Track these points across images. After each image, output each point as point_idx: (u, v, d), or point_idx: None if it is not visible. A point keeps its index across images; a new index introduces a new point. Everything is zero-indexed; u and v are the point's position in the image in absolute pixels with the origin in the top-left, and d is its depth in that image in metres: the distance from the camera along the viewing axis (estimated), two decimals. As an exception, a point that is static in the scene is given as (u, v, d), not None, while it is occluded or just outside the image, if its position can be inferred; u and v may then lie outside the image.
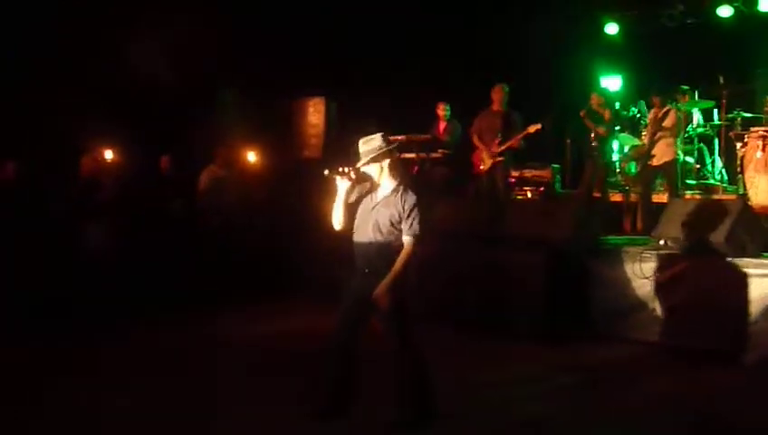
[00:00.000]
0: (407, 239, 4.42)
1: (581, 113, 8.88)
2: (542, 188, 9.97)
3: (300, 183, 9.28)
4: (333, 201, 4.54)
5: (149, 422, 4.71)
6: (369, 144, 4.50)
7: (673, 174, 8.16)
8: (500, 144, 8.72)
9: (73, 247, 7.64)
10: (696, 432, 4.71)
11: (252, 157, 9.73)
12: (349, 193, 4.52)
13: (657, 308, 6.61)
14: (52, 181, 8.33)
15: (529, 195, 10.00)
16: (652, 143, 8.15)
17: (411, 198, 4.46)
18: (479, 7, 10.84)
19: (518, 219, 7.64)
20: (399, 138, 9.62)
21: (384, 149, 4.47)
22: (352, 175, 4.48)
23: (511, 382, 5.56)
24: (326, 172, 4.53)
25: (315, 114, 9.78)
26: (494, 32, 10.81)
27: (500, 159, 8.73)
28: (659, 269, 6.55)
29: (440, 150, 9.49)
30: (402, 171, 4.70)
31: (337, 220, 4.56)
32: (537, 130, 8.52)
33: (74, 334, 6.68)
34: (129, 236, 7.94)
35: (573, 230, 7.24)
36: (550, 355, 6.24)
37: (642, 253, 6.72)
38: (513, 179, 9.80)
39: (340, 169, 4.48)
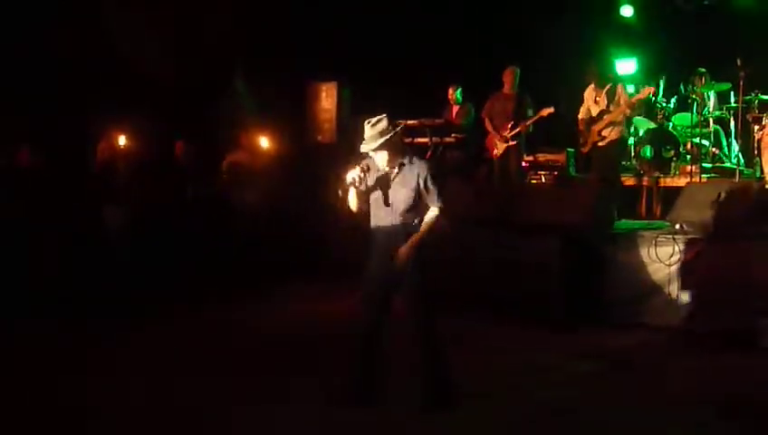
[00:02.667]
0: (433, 210, 4.46)
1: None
2: (555, 173, 9.90)
3: (313, 168, 9.30)
4: (345, 190, 4.52)
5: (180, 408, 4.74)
6: (376, 127, 4.43)
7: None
8: (512, 128, 8.66)
9: (92, 232, 7.68)
10: (721, 416, 4.68)
11: (265, 142, 9.71)
12: (359, 184, 4.47)
13: (674, 293, 6.58)
14: (68, 167, 8.37)
15: (543, 179, 9.93)
16: None
17: (424, 168, 4.48)
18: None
19: (532, 204, 7.60)
20: (412, 122, 9.64)
21: (392, 132, 4.42)
22: (364, 180, 4.44)
23: (531, 369, 5.54)
24: (340, 193, 4.53)
25: (328, 99, 9.76)
26: (507, 14, 10.71)
27: (513, 142, 8.68)
28: (674, 253, 6.51)
29: (453, 135, 9.45)
30: (404, 147, 4.70)
31: (353, 205, 4.55)
32: (550, 113, 8.47)
33: (94, 321, 6.70)
34: (145, 222, 7.97)
35: (588, 215, 7.20)
36: (567, 341, 6.23)
37: (657, 237, 6.68)
38: (527, 164, 9.74)
39: (351, 181, 4.43)
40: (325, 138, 9.82)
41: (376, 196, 4.52)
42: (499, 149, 8.75)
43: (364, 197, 4.53)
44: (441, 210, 4.47)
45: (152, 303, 7.28)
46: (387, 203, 4.47)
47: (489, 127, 8.89)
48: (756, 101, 8.26)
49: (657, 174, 8.76)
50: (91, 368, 5.53)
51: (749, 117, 8.13)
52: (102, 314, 6.84)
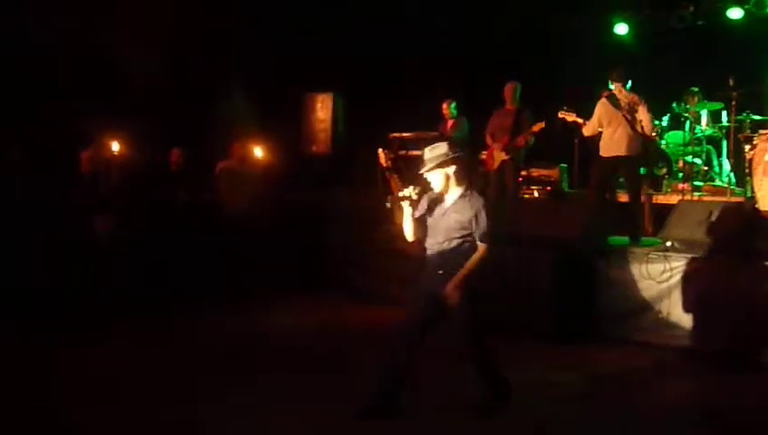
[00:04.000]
0: (480, 244, 4.60)
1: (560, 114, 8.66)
2: (548, 188, 9.96)
3: (308, 178, 9.32)
4: (397, 206, 4.69)
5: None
6: (435, 151, 4.62)
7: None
8: (509, 142, 8.70)
9: (81, 240, 7.67)
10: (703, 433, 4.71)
11: (258, 152, 9.72)
12: (415, 208, 4.65)
13: (664, 310, 6.60)
14: (58, 172, 8.36)
15: (536, 194, 9.99)
16: None
17: (478, 202, 4.64)
18: (490, 6, 10.81)
19: (527, 219, 7.62)
20: (407, 134, 9.69)
21: (450, 157, 4.59)
22: (414, 196, 4.58)
23: (520, 383, 5.51)
24: (388, 204, 4.78)
25: (323, 109, 9.79)
26: (505, 30, 10.80)
27: (508, 157, 8.71)
28: (666, 271, 6.54)
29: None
30: (469, 176, 4.86)
31: (408, 233, 4.73)
32: (541, 127, 8.50)
33: (83, 330, 6.70)
34: (136, 229, 7.95)
35: (582, 230, 7.23)
36: (558, 356, 6.24)
37: (649, 254, 6.72)
38: (521, 179, 9.78)
39: (401, 196, 4.60)
40: (320, 148, 9.84)
41: (433, 217, 4.68)
42: (495, 162, 8.78)
43: (420, 224, 4.71)
44: (488, 249, 4.61)
45: (140, 311, 7.29)
46: (441, 225, 4.64)
47: (490, 142, 8.91)
48: (748, 121, 8.34)
49: (649, 191, 8.81)
50: (79, 375, 5.51)
51: (741, 137, 8.21)
52: (90, 321, 6.82)
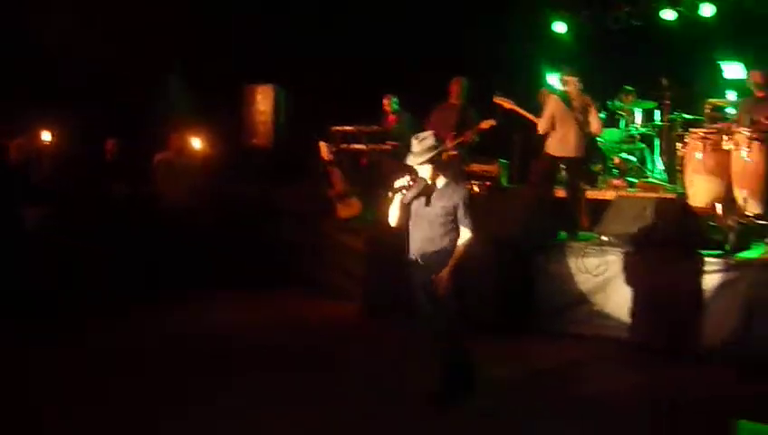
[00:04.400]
0: (466, 232, 4.78)
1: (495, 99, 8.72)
2: (488, 183, 10.05)
3: (249, 171, 9.20)
4: (389, 201, 4.85)
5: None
6: (424, 143, 4.80)
7: None
8: (455, 138, 8.75)
9: (9, 232, 7.38)
10: (639, 422, 4.84)
11: (197, 143, 9.54)
12: (406, 195, 4.83)
13: (600, 303, 6.77)
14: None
15: (476, 189, 10.07)
16: None
17: (462, 190, 4.87)
18: (430, 3, 10.85)
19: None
20: (349, 128, 9.65)
21: (439, 149, 4.82)
22: (412, 184, 4.79)
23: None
24: (390, 194, 4.84)
25: (264, 101, 9.66)
26: (444, 27, 10.85)
27: (454, 153, 8.76)
28: (602, 265, 6.70)
29: (389, 142, 9.48)
30: (450, 165, 5.04)
31: (394, 219, 4.88)
32: (491, 125, 8.59)
33: (20, 328, 6.49)
34: (69, 221, 7.70)
35: (522, 226, 7.34)
36: (497, 350, 6.29)
37: (586, 248, 6.87)
38: (463, 174, 9.86)
39: (402, 185, 4.78)
40: (261, 141, 9.71)
41: (416, 206, 4.84)
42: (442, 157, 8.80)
43: (407, 210, 4.87)
44: (474, 235, 4.81)
45: (67, 306, 7.08)
46: (425, 215, 4.81)
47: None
48: (680, 121, 8.61)
49: (584, 187, 8.99)
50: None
51: (674, 135, 8.47)
52: (19, 316, 6.62)
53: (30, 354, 5.92)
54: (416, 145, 4.81)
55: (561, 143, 7.49)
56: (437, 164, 4.82)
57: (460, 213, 4.78)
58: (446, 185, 4.85)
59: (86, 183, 8.26)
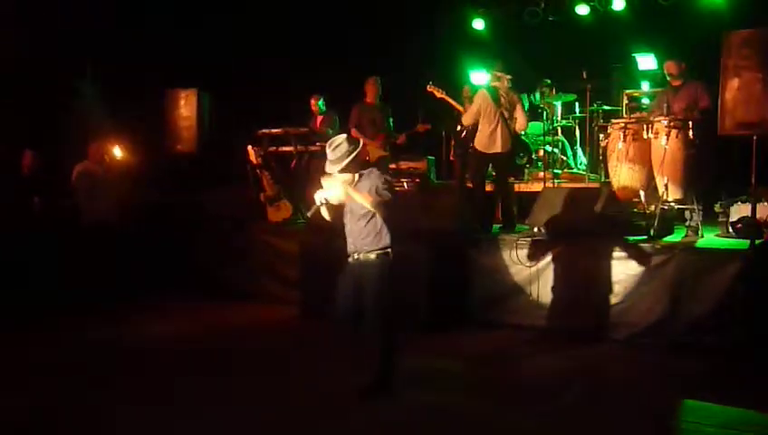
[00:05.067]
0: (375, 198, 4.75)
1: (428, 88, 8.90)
2: (417, 180, 10.13)
3: (174, 178, 8.97)
4: (316, 209, 4.94)
5: None
6: (338, 150, 4.79)
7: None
8: (387, 138, 8.81)
9: None
10: (579, 404, 4.97)
11: (118, 152, 9.23)
12: (330, 210, 4.95)
13: (534, 293, 6.91)
14: None
15: (405, 186, 10.14)
16: None
17: (374, 175, 4.87)
18: (352, 2, 10.86)
19: (398, 211, 7.70)
20: (276, 130, 9.53)
21: (354, 153, 4.80)
22: (328, 199, 4.88)
23: (400, 371, 5.62)
24: (309, 215, 5.02)
25: (187, 106, 9.41)
26: (365, 26, 10.87)
27: (386, 153, 8.82)
28: (534, 255, 6.85)
29: (318, 143, 9.42)
30: (366, 160, 5.18)
31: (327, 217, 4.99)
32: (426, 129, 8.73)
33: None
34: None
35: (452, 221, 7.43)
36: (433, 344, 6.37)
37: (518, 240, 7.00)
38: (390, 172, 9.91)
39: (320, 202, 4.87)
40: (185, 147, 9.47)
41: (346, 208, 4.93)
42: (372, 157, 8.83)
43: (336, 209, 4.95)
44: (382, 196, 4.79)
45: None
46: (350, 210, 4.90)
47: (357, 135, 8.92)
48: (600, 112, 8.89)
49: (511, 180, 9.18)
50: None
51: (595, 126, 8.73)
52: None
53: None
54: (332, 153, 4.81)
55: (488, 140, 7.61)
56: (358, 167, 4.86)
57: (374, 194, 4.77)
58: (364, 175, 4.89)
59: (3, 198, 7.87)
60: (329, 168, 4.84)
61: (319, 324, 6.88)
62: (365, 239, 4.86)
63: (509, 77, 7.70)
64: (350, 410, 4.81)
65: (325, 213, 4.95)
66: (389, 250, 4.92)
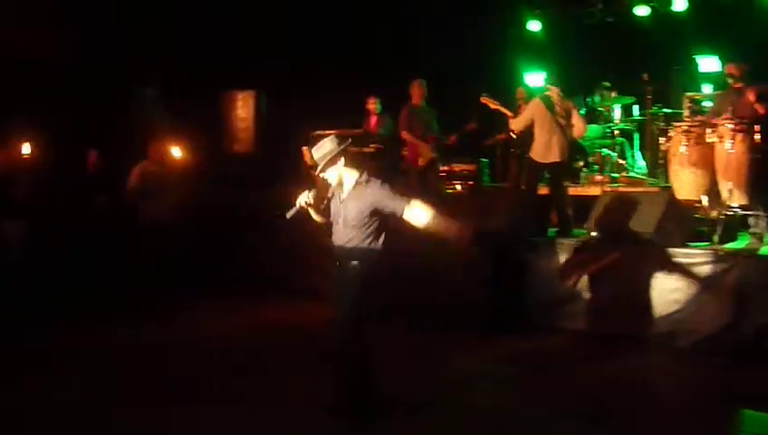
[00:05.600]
0: (410, 209, 4.49)
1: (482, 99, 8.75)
2: (470, 182, 10.10)
3: (232, 178, 9.11)
4: (302, 210, 4.74)
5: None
6: (321, 150, 4.58)
7: None
8: (437, 139, 8.80)
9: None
10: (646, 412, 4.89)
11: (177, 152, 9.41)
12: (317, 206, 4.72)
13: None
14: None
15: (458, 188, 10.12)
16: None
17: (375, 184, 4.60)
18: (406, 4, 10.86)
19: (453, 214, 7.67)
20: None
21: (335, 151, 4.55)
22: (311, 200, 4.67)
23: (457, 375, 5.62)
24: (288, 216, 4.70)
25: (244, 108, 9.57)
26: (421, 29, 10.87)
27: (436, 155, 8.81)
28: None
29: (372, 145, 9.46)
30: (359, 163, 4.86)
31: (318, 219, 4.81)
32: (473, 129, 8.68)
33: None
34: (50, 234, 7.57)
35: (509, 224, 7.38)
36: (492, 348, 6.35)
37: (575, 244, 6.91)
38: (444, 174, 9.89)
39: (299, 207, 4.67)
40: (242, 147, 9.61)
41: (332, 209, 4.70)
42: (424, 159, 8.83)
43: (324, 211, 4.75)
44: (408, 202, 4.52)
45: (44, 321, 6.97)
46: (340, 216, 4.62)
47: (410, 137, 8.94)
48: (661, 115, 8.72)
49: (567, 183, 9.07)
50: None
51: (656, 129, 8.56)
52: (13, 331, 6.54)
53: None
54: (316, 154, 4.58)
55: (545, 149, 7.50)
56: (345, 163, 4.59)
57: (388, 207, 4.51)
58: (358, 184, 4.59)
59: (68, 196, 8.10)
60: (317, 171, 4.63)
61: (380, 328, 6.90)
62: (356, 247, 4.56)
63: (558, 89, 7.59)
64: (402, 414, 4.79)
65: (315, 216, 4.78)
66: (374, 257, 4.61)
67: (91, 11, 9.12)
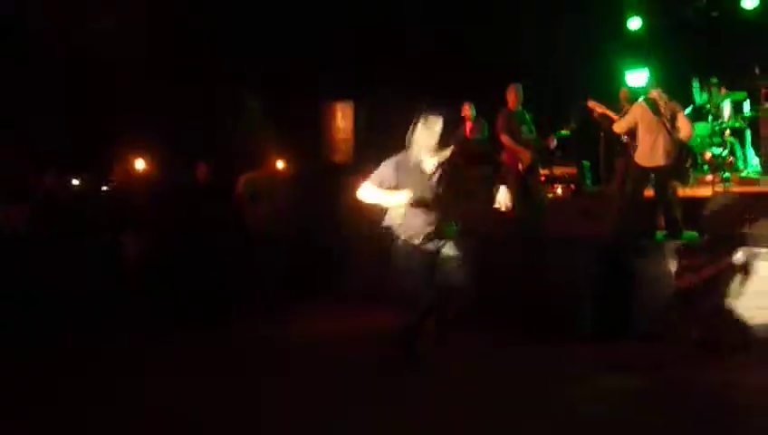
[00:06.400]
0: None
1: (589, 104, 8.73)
2: (572, 186, 9.93)
3: (331, 187, 9.28)
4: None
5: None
6: (436, 127, 5.10)
7: None
8: (534, 144, 8.70)
9: (113, 257, 7.70)
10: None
11: (280, 163, 9.73)
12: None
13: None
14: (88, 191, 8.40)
15: (559, 192, 9.98)
16: None
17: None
18: (503, 8, 10.81)
19: (557, 218, 7.61)
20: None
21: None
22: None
23: (565, 383, 5.52)
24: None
25: (344, 119, 9.75)
26: (518, 32, 10.80)
27: (536, 158, 8.70)
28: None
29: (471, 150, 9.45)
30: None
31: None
32: (572, 129, 8.55)
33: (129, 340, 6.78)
34: (169, 244, 7.97)
35: (612, 227, 7.21)
36: (600, 355, 6.18)
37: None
38: (543, 178, 9.76)
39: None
40: (341, 158, 9.81)
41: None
42: (524, 163, 8.74)
43: None
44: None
45: (168, 324, 7.29)
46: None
47: (509, 142, 8.86)
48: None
49: (675, 184, 8.78)
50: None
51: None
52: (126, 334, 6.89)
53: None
54: (428, 130, 5.08)
55: (651, 152, 7.26)
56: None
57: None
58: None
59: (181, 208, 8.50)
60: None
61: (480, 334, 6.89)
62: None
63: (660, 90, 7.35)
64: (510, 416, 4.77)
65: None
66: None
67: (195, 24, 9.51)
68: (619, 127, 7.74)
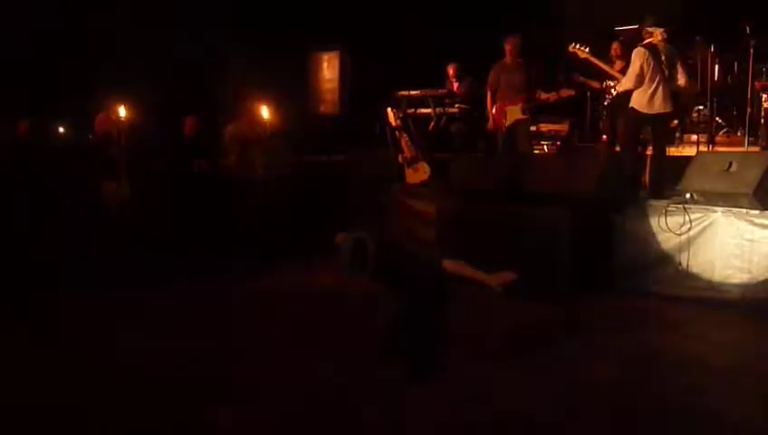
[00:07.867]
0: None
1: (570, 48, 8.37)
2: (558, 143, 9.87)
3: (316, 139, 9.21)
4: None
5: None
6: None
7: None
8: (527, 100, 8.57)
9: (92, 204, 7.61)
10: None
11: (265, 113, 9.58)
12: None
13: (683, 262, 6.59)
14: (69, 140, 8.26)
15: (546, 149, 9.92)
16: None
17: None
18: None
19: (540, 175, 7.56)
20: (415, 92, 9.56)
21: None
22: None
23: (538, 339, 5.57)
24: None
25: (330, 69, 9.61)
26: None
27: (526, 116, 8.61)
28: (685, 223, 6.51)
29: (457, 105, 9.36)
30: None
31: None
32: (569, 95, 8.45)
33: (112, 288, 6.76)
34: (153, 198, 7.88)
35: (597, 185, 7.18)
36: (576, 311, 6.23)
37: (668, 206, 6.68)
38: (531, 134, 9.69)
39: None
40: (328, 108, 9.69)
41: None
42: (509, 121, 8.66)
43: None
44: None
45: (153, 277, 7.25)
46: None
47: (496, 98, 8.77)
48: (764, 69, 8.24)
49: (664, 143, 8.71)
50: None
51: (757, 85, 8.11)
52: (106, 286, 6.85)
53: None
54: None
55: (650, 100, 7.16)
56: None
57: None
58: None
59: (167, 160, 8.39)
60: None
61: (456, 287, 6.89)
62: None
63: (662, 30, 7.18)
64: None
65: None
66: None
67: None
68: (627, 83, 7.35)
